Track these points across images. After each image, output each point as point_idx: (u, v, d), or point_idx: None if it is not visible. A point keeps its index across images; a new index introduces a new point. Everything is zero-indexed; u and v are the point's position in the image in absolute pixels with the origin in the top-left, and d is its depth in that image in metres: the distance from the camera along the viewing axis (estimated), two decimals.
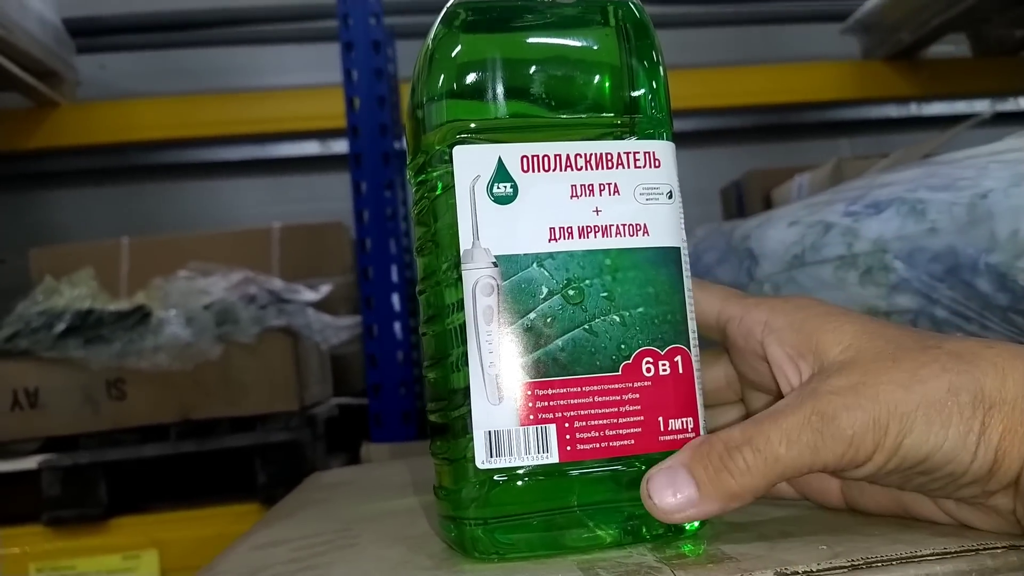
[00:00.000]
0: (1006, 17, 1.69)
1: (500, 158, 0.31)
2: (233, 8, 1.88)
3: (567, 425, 0.31)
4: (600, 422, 0.31)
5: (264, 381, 1.18)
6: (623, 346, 0.31)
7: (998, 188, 0.54)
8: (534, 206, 0.32)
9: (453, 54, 0.32)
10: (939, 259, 0.56)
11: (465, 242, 0.31)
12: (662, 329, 0.32)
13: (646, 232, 0.32)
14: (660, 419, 0.31)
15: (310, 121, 1.80)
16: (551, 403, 0.31)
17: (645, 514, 0.32)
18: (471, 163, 0.31)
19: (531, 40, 0.33)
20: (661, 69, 0.34)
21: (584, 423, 0.31)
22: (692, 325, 0.33)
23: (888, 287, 0.59)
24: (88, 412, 1.15)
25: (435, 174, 0.32)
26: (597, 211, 0.32)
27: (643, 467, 0.31)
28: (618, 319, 0.32)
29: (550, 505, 0.31)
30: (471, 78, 0.32)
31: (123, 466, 1.17)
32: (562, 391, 0.31)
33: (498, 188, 0.31)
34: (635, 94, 0.33)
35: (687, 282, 0.33)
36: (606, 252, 0.32)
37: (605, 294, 0.32)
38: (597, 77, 0.33)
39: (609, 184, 0.32)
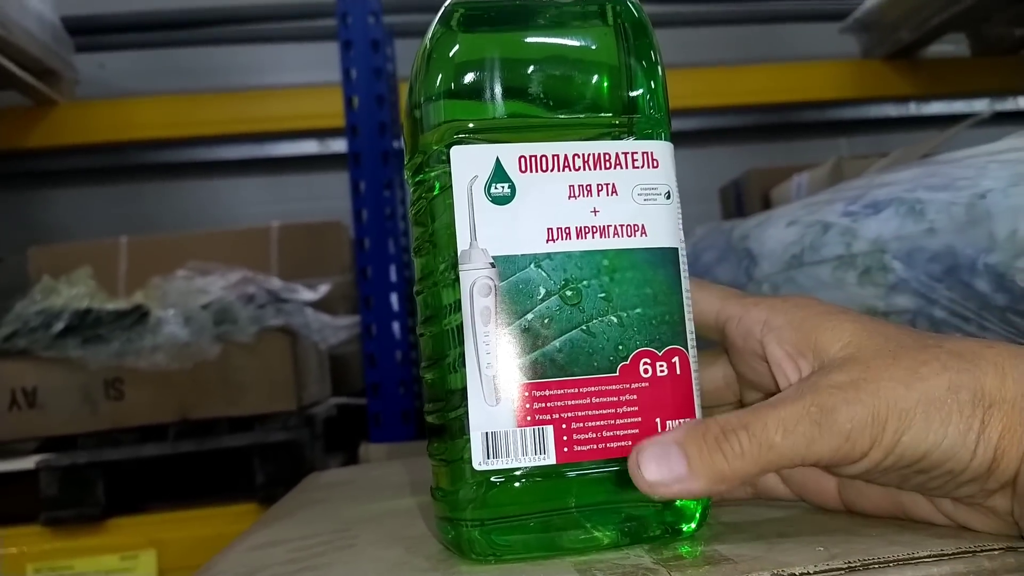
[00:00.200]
0: (1005, 16, 1.69)
1: (498, 158, 0.31)
2: (232, 7, 1.88)
3: (564, 426, 0.31)
4: (598, 423, 0.31)
5: (263, 381, 1.18)
6: (621, 347, 0.31)
7: (997, 188, 0.54)
8: (532, 206, 0.31)
9: (451, 54, 0.32)
10: (937, 259, 0.56)
11: (462, 242, 0.31)
12: (660, 330, 0.32)
13: (644, 233, 0.32)
14: (658, 420, 0.31)
15: (309, 120, 1.80)
16: (548, 404, 0.31)
17: (643, 516, 0.32)
18: (469, 163, 0.31)
19: (529, 40, 0.33)
20: (659, 69, 0.34)
21: (581, 424, 0.31)
22: (690, 326, 0.33)
23: (886, 287, 0.59)
24: (86, 412, 1.15)
25: (433, 174, 0.32)
26: (595, 211, 0.32)
27: None
28: (616, 320, 0.31)
29: (547, 506, 0.31)
30: (469, 78, 0.32)
31: (121, 466, 1.17)
32: (559, 392, 0.31)
33: (496, 188, 0.31)
34: (633, 94, 0.33)
35: (685, 283, 0.33)
36: (604, 253, 0.32)
37: (603, 295, 0.32)
38: (595, 77, 0.33)
39: (607, 184, 0.32)
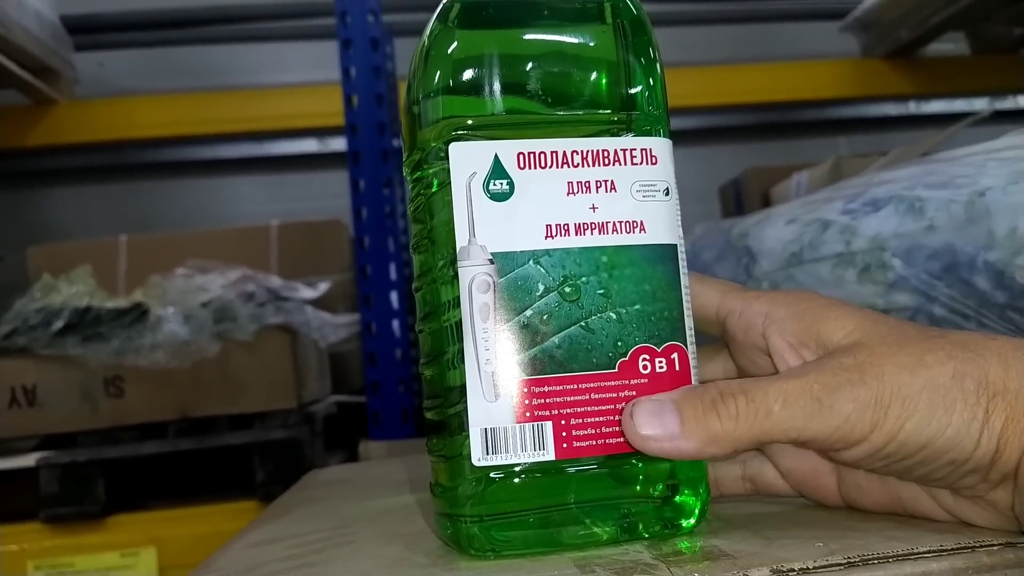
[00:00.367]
0: (1005, 15, 1.69)
1: (496, 155, 0.31)
2: (231, 5, 1.88)
3: (563, 423, 0.31)
4: (597, 419, 0.31)
5: (262, 379, 1.18)
6: (620, 343, 0.31)
7: (996, 186, 0.54)
8: (530, 203, 0.31)
9: (449, 50, 0.32)
10: (937, 257, 0.56)
11: (461, 239, 0.31)
12: (659, 326, 0.32)
13: (643, 229, 0.32)
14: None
15: (308, 119, 1.79)
16: (547, 400, 0.31)
17: (642, 511, 0.32)
18: (467, 160, 0.31)
19: (527, 36, 0.33)
20: (658, 66, 0.34)
21: (581, 420, 0.31)
22: (689, 322, 0.33)
23: (886, 285, 0.59)
24: (86, 410, 1.15)
25: (431, 171, 0.32)
26: (594, 208, 0.32)
27: (640, 464, 0.32)
28: (615, 316, 0.31)
29: (546, 502, 0.31)
30: (467, 74, 0.32)
31: (121, 464, 1.17)
32: (558, 388, 0.31)
33: (494, 185, 0.31)
34: (632, 91, 0.33)
35: (684, 279, 0.33)
36: (603, 249, 0.32)
37: (602, 291, 0.32)
38: (594, 73, 0.33)
39: (606, 181, 0.32)
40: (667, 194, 0.33)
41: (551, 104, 0.32)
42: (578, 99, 0.33)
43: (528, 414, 0.30)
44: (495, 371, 0.31)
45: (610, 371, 0.31)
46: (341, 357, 1.46)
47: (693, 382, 0.32)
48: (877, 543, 0.28)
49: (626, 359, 0.31)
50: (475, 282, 0.31)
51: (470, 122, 0.32)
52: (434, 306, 0.32)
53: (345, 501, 0.47)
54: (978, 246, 0.53)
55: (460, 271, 0.31)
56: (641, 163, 0.33)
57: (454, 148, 0.31)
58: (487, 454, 0.30)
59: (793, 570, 0.27)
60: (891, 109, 2.12)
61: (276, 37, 1.94)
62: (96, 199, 1.99)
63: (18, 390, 1.14)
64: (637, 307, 0.32)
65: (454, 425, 0.31)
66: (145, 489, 1.26)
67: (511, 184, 0.31)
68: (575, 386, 0.31)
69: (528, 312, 0.31)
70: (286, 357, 1.19)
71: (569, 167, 0.32)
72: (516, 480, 0.31)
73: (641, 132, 0.33)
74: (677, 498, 0.32)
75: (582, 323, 0.31)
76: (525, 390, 0.31)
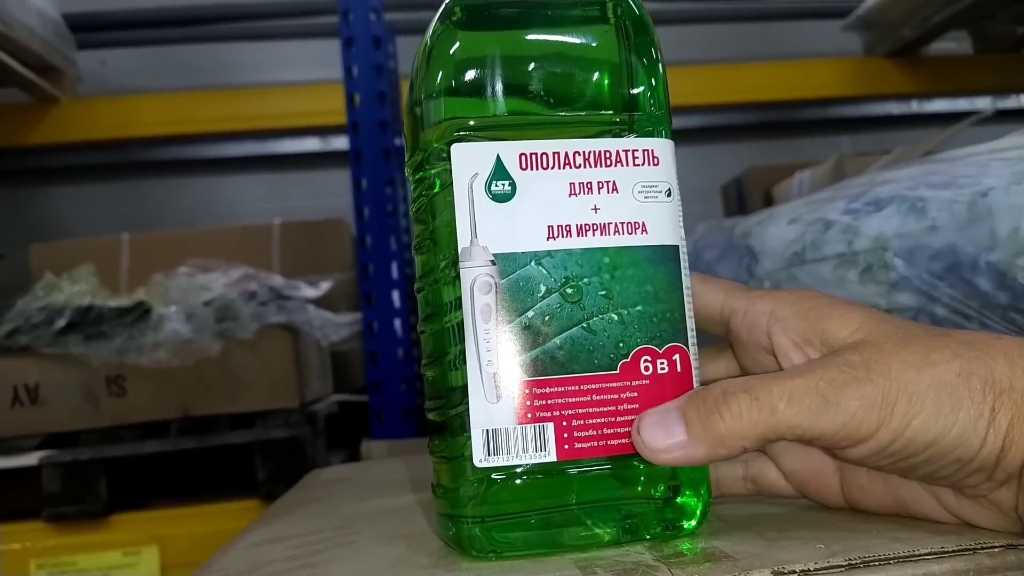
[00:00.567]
0: (1008, 14, 1.68)
1: (498, 155, 0.31)
2: (234, 4, 1.88)
3: (565, 424, 0.31)
4: (598, 421, 0.31)
5: (264, 378, 1.18)
6: (621, 344, 0.31)
7: (999, 186, 0.54)
8: (532, 204, 0.31)
9: (451, 51, 0.32)
10: (939, 257, 0.56)
11: (463, 240, 0.31)
12: (660, 327, 0.32)
13: (644, 230, 0.32)
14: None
15: (311, 117, 1.79)
16: (549, 402, 0.31)
17: (643, 513, 0.32)
18: (469, 160, 0.31)
19: (530, 37, 0.33)
20: (660, 66, 0.34)
21: (582, 422, 0.31)
22: (691, 324, 0.33)
23: (888, 285, 0.59)
24: (88, 408, 1.15)
25: (433, 171, 0.32)
26: (596, 209, 0.32)
27: (641, 466, 0.31)
28: (616, 317, 0.31)
29: (548, 503, 0.31)
30: (469, 75, 0.32)
31: (123, 462, 1.17)
32: (560, 390, 0.31)
33: (496, 186, 0.31)
34: (634, 91, 0.33)
35: (686, 280, 0.33)
36: (604, 250, 0.32)
37: (603, 292, 0.32)
38: (596, 74, 0.33)
39: (608, 182, 0.32)
40: (669, 195, 0.33)
41: (553, 105, 0.32)
42: (580, 100, 0.33)
43: (530, 415, 0.31)
44: (497, 372, 0.31)
45: (612, 372, 0.31)
46: (343, 356, 1.46)
47: (695, 383, 0.32)
48: (878, 545, 0.28)
49: (628, 360, 0.31)
50: (477, 283, 0.31)
51: (472, 123, 0.32)
52: (436, 307, 0.32)
53: (346, 501, 0.47)
54: (980, 247, 0.53)
55: (462, 272, 0.31)
56: (643, 164, 0.33)
57: (456, 149, 0.31)
58: (489, 455, 0.30)
59: (794, 571, 0.27)
60: (894, 108, 2.12)
61: (278, 35, 1.94)
62: (98, 197, 2.00)
63: (20, 389, 1.14)
64: (639, 308, 0.32)
65: (456, 426, 0.31)
66: (147, 488, 1.26)
67: (513, 185, 0.31)
68: (577, 387, 0.31)
69: (530, 313, 0.31)
70: (288, 356, 1.19)
71: (571, 168, 0.32)
72: (517, 481, 0.31)
73: (643, 133, 0.33)
74: (679, 499, 0.32)
75: (584, 324, 0.31)
76: (527, 391, 0.31)
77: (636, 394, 0.31)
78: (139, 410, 1.16)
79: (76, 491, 1.14)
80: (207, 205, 2.02)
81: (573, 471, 0.31)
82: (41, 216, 1.96)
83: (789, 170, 1.56)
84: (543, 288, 0.31)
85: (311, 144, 1.97)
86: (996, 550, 0.27)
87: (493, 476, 0.30)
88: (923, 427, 0.28)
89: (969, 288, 0.54)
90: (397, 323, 1.22)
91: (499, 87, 0.32)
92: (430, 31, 0.33)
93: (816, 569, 0.27)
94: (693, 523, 0.32)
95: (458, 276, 0.31)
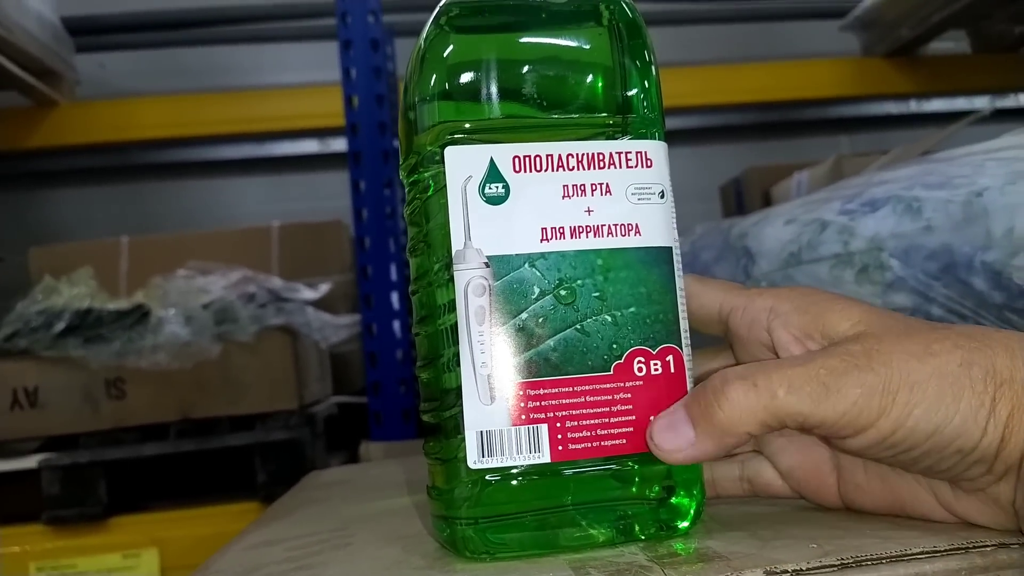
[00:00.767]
0: (1006, 13, 1.69)
1: (492, 158, 0.32)
2: (232, 7, 1.88)
3: (559, 425, 0.31)
4: (592, 422, 0.31)
5: (263, 380, 1.18)
6: (615, 346, 0.32)
7: (994, 186, 0.54)
8: (526, 206, 0.32)
9: (444, 54, 0.32)
10: (935, 257, 0.56)
11: (457, 242, 0.31)
12: (654, 329, 0.32)
13: (638, 232, 0.32)
14: (652, 419, 0.31)
15: (309, 119, 1.80)
16: (543, 403, 0.31)
17: (638, 513, 0.32)
18: (463, 163, 0.31)
19: (523, 40, 0.33)
20: (653, 68, 0.34)
21: (576, 423, 0.31)
22: (684, 325, 0.33)
23: (884, 285, 0.59)
24: (88, 411, 1.15)
25: (427, 174, 0.32)
26: (589, 211, 0.32)
27: (635, 466, 0.32)
28: (610, 319, 0.32)
29: (542, 504, 0.31)
30: (462, 78, 0.32)
31: (123, 465, 1.17)
32: (554, 391, 0.31)
33: (490, 188, 0.31)
34: (627, 94, 0.33)
35: (679, 282, 0.33)
36: (598, 252, 0.32)
37: (597, 294, 0.32)
38: (589, 77, 0.33)
39: (601, 184, 0.32)
40: (662, 197, 0.33)
41: (546, 108, 0.33)
42: (574, 103, 0.33)
43: (523, 417, 0.31)
44: (491, 374, 0.31)
45: (605, 373, 0.31)
46: (342, 358, 1.46)
47: (688, 384, 0.32)
48: (871, 544, 0.28)
49: (621, 361, 0.31)
50: (471, 285, 0.31)
51: (466, 126, 0.32)
52: (430, 309, 0.32)
53: (344, 503, 0.48)
54: (975, 246, 0.53)
55: (456, 274, 0.31)
56: (636, 166, 0.33)
57: (450, 152, 0.31)
58: (483, 457, 0.30)
59: (786, 571, 0.27)
60: (892, 108, 2.12)
61: (277, 38, 1.94)
62: (97, 200, 2.00)
63: (20, 392, 1.14)
64: (632, 310, 0.32)
65: (450, 428, 0.31)
66: (147, 490, 1.26)
67: (507, 187, 0.32)
68: (570, 389, 0.31)
69: (523, 315, 0.31)
70: (287, 358, 1.19)
71: (564, 170, 0.32)
72: (512, 482, 0.31)
73: (636, 135, 0.33)
74: (673, 500, 0.32)
75: (577, 326, 0.31)
76: (520, 393, 0.31)
77: (630, 395, 0.31)
78: (139, 413, 1.16)
79: (76, 494, 1.14)
80: (206, 207, 2.02)
81: (567, 472, 0.31)
82: (40, 219, 1.97)
83: (788, 170, 1.56)
84: (537, 290, 0.31)
85: (310, 146, 1.97)
86: (988, 549, 0.28)
87: (487, 477, 0.31)
88: (925, 416, 0.28)
89: (965, 288, 0.54)
90: (396, 325, 1.22)
91: (492, 90, 0.32)
92: (423, 34, 0.33)
93: (808, 569, 0.27)
94: (687, 523, 0.32)
95: (452, 278, 0.31)
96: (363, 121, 1.24)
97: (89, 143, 1.76)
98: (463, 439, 0.31)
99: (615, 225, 0.32)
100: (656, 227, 0.33)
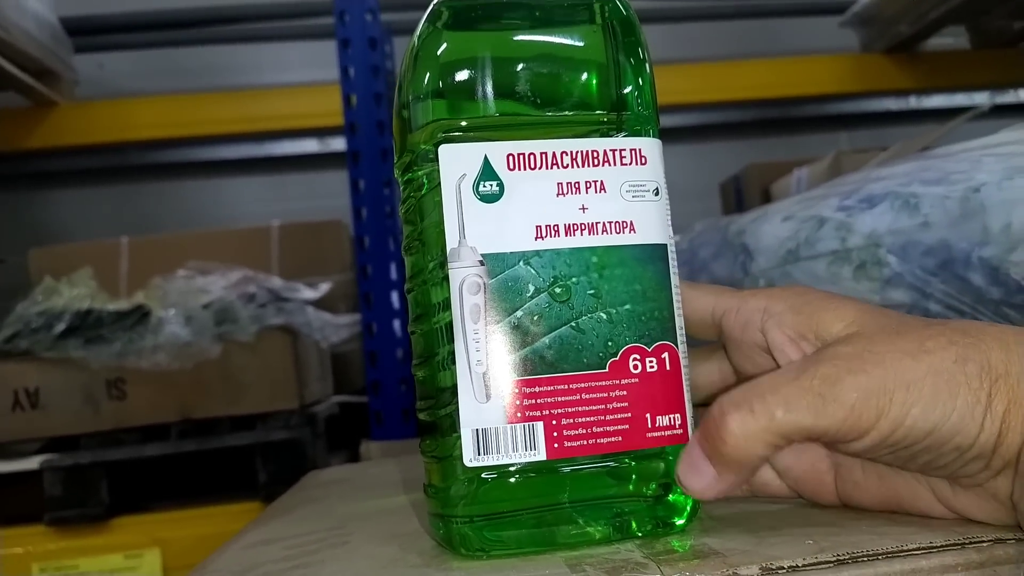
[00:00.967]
0: (1005, 8, 1.69)
1: (486, 156, 0.32)
2: (230, 6, 1.88)
3: (555, 423, 0.31)
4: (588, 419, 0.31)
5: (264, 380, 1.18)
6: (610, 343, 0.32)
7: (991, 181, 0.54)
8: (520, 204, 0.32)
9: (438, 52, 0.32)
10: (932, 253, 0.56)
11: (451, 241, 0.31)
12: (649, 326, 0.32)
13: (633, 229, 0.32)
14: (648, 416, 0.31)
15: (308, 119, 1.80)
16: (538, 401, 0.31)
17: (634, 511, 0.32)
18: (457, 161, 0.31)
19: (517, 38, 0.33)
20: (647, 66, 0.34)
21: (572, 420, 0.31)
22: (679, 322, 0.33)
23: (881, 281, 0.59)
24: (89, 412, 1.15)
25: (421, 173, 0.32)
26: (583, 208, 0.32)
27: (631, 463, 0.32)
28: (605, 316, 0.32)
29: (539, 502, 0.31)
30: (456, 77, 0.32)
31: (124, 466, 1.17)
32: (549, 389, 0.31)
33: (484, 186, 0.31)
34: (622, 91, 0.33)
35: (674, 279, 0.33)
36: (592, 250, 0.32)
37: (592, 291, 0.32)
38: (583, 74, 0.33)
39: (595, 182, 0.32)
40: (657, 194, 0.33)
41: (541, 105, 0.33)
42: (568, 100, 0.33)
43: (519, 414, 0.31)
44: (486, 372, 0.31)
45: (601, 371, 0.31)
46: (342, 357, 1.46)
47: (684, 381, 0.32)
48: (867, 540, 0.28)
49: (616, 359, 0.31)
50: (465, 283, 0.31)
51: (460, 124, 0.32)
52: (425, 307, 0.32)
53: (342, 501, 0.48)
54: (973, 242, 0.53)
55: (451, 272, 0.31)
56: (631, 163, 0.33)
57: (444, 150, 0.31)
58: (478, 455, 0.30)
59: (783, 568, 0.27)
60: (891, 104, 2.12)
61: (275, 37, 1.94)
62: (97, 201, 2.00)
63: (21, 393, 1.15)
64: (627, 307, 0.32)
65: (446, 426, 0.31)
66: (148, 491, 1.26)
67: (501, 185, 0.32)
68: (566, 386, 0.31)
69: (519, 313, 0.31)
70: (287, 358, 1.19)
71: (559, 168, 0.32)
72: (508, 480, 0.31)
73: (631, 132, 0.33)
74: (670, 497, 0.32)
75: (572, 323, 0.31)
76: (516, 391, 0.31)
77: (625, 392, 0.31)
78: (139, 413, 1.16)
79: (77, 495, 1.15)
80: (205, 208, 2.02)
81: (563, 470, 0.31)
82: (40, 220, 1.97)
83: (787, 167, 1.56)
84: (532, 288, 0.31)
85: (309, 145, 1.97)
86: (984, 544, 0.28)
87: (483, 475, 0.31)
88: (922, 415, 0.28)
89: (962, 284, 0.54)
90: (396, 324, 1.22)
91: (486, 88, 0.32)
92: (417, 32, 0.33)
93: (804, 565, 0.27)
94: (684, 520, 0.32)
95: (447, 277, 0.31)
96: (362, 120, 1.24)
97: (88, 143, 1.76)
98: (459, 437, 0.31)
99: (610, 222, 0.32)
100: (651, 224, 0.33)
